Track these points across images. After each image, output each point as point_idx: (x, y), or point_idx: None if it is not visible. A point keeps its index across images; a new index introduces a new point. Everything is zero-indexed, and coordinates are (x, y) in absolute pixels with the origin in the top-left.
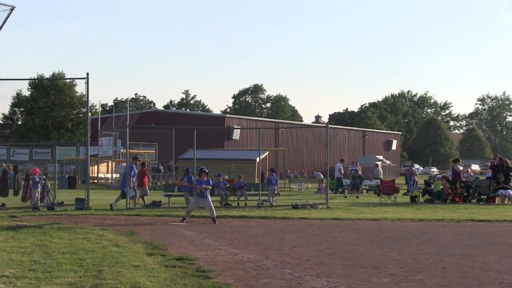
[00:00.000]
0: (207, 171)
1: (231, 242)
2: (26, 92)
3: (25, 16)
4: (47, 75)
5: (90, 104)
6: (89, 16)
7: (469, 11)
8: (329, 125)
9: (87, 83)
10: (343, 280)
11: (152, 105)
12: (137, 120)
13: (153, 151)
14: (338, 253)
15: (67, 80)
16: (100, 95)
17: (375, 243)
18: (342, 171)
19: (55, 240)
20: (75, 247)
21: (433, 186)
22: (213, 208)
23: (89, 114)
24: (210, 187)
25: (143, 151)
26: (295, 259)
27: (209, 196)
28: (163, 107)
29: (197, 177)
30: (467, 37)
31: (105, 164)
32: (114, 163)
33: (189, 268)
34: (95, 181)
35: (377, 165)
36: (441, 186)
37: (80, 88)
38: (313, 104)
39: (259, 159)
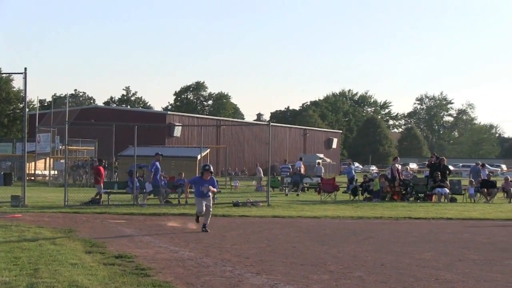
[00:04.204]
0: (211, 169)
1: (171, 240)
2: None
3: None
4: None
5: (27, 99)
6: (27, 9)
7: (407, 11)
8: (271, 123)
9: (25, 78)
10: (283, 277)
11: (92, 101)
12: (76, 116)
13: (93, 148)
14: (279, 251)
15: (4, 75)
16: (38, 91)
17: (315, 241)
18: (302, 169)
19: None
20: (10, 245)
21: (373, 184)
22: (211, 213)
23: (27, 109)
24: (216, 190)
25: (82, 148)
26: (236, 256)
27: (210, 197)
28: (103, 103)
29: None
30: (407, 37)
31: (43, 160)
32: (52, 160)
33: (128, 266)
34: (32, 178)
35: (318, 163)
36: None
37: (17, 83)
38: (255, 102)
39: (200, 156)
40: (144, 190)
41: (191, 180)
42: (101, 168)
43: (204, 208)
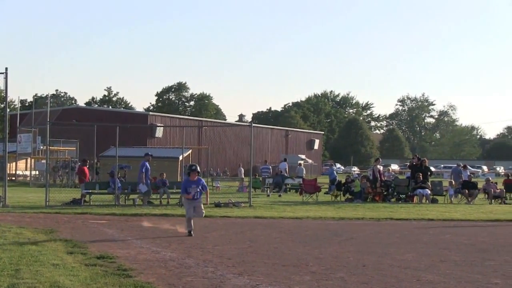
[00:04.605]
0: (198, 169)
1: (153, 241)
2: None
3: None
4: None
5: (8, 99)
6: (7, 8)
7: (388, 13)
8: (253, 124)
9: (6, 78)
10: (265, 278)
11: (73, 101)
12: (57, 116)
13: (74, 148)
14: (260, 252)
15: None
16: (20, 91)
17: (297, 242)
18: (287, 170)
19: None
20: None
21: (355, 185)
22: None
23: (8, 109)
24: (206, 190)
25: (64, 148)
26: (218, 257)
27: (201, 200)
28: (85, 103)
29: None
30: (388, 39)
31: (24, 161)
32: (33, 160)
33: (110, 267)
34: (13, 178)
35: (300, 164)
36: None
37: None
38: (237, 103)
39: (182, 157)
40: (138, 190)
41: (183, 186)
42: (85, 169)
43: (193, 213)
